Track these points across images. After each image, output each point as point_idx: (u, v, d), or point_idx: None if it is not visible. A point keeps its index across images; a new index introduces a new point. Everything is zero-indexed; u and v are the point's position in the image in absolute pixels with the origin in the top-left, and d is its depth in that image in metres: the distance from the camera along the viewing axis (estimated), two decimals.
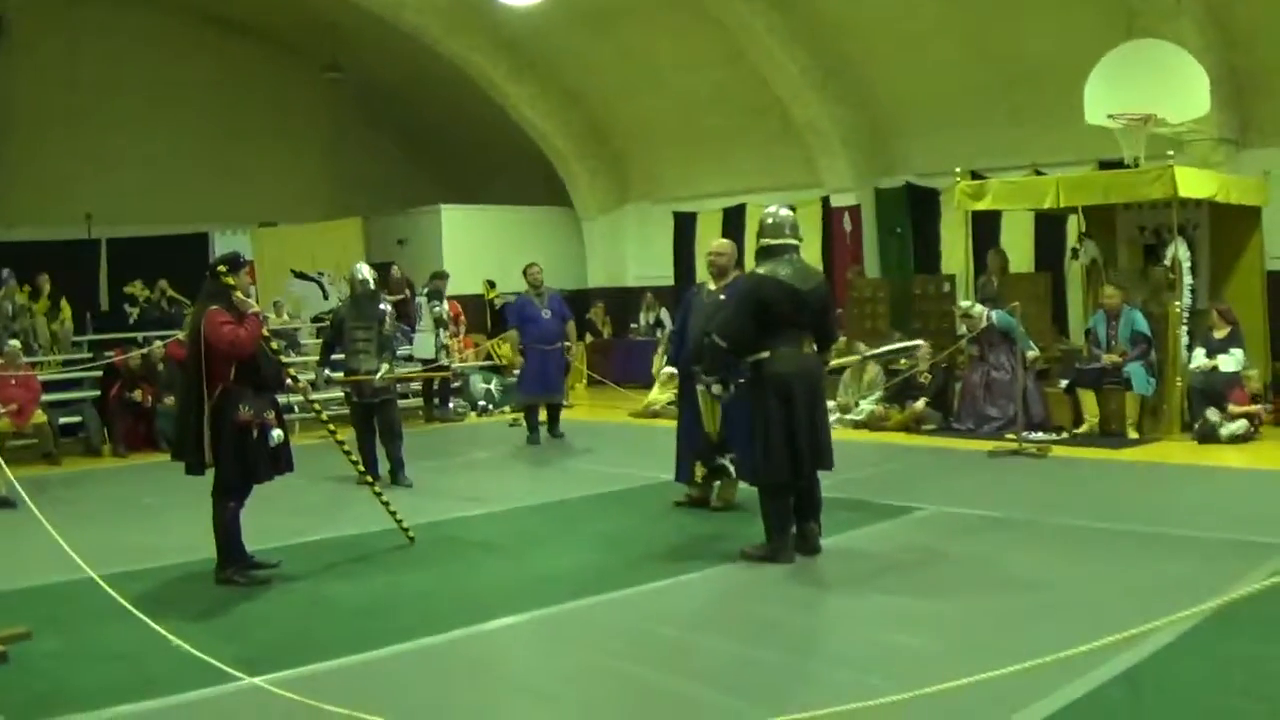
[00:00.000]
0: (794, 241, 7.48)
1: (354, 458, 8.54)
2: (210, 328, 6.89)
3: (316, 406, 8.37)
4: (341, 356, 11.05)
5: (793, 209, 7.76)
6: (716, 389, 7.53)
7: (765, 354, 7.22)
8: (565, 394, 14.49)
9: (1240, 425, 11.49)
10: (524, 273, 13.79)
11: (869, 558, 7.45)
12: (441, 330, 15.84)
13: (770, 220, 7.51)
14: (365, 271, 11.12)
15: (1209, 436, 11.51)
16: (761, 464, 7.31)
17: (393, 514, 8.09)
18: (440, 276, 16.57)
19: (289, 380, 7.79)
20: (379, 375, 10.60)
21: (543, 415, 13.61)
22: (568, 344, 13.86)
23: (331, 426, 7.98)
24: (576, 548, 8.15)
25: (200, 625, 6.20)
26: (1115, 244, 13.98)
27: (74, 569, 6.10)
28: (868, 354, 13.55)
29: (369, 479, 8.58)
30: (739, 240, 14.05)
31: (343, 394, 11.69)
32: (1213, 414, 11.59)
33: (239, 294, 7.14)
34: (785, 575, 7.07)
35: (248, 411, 7.00)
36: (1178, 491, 9.61)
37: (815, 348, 7.45)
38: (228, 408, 6.95)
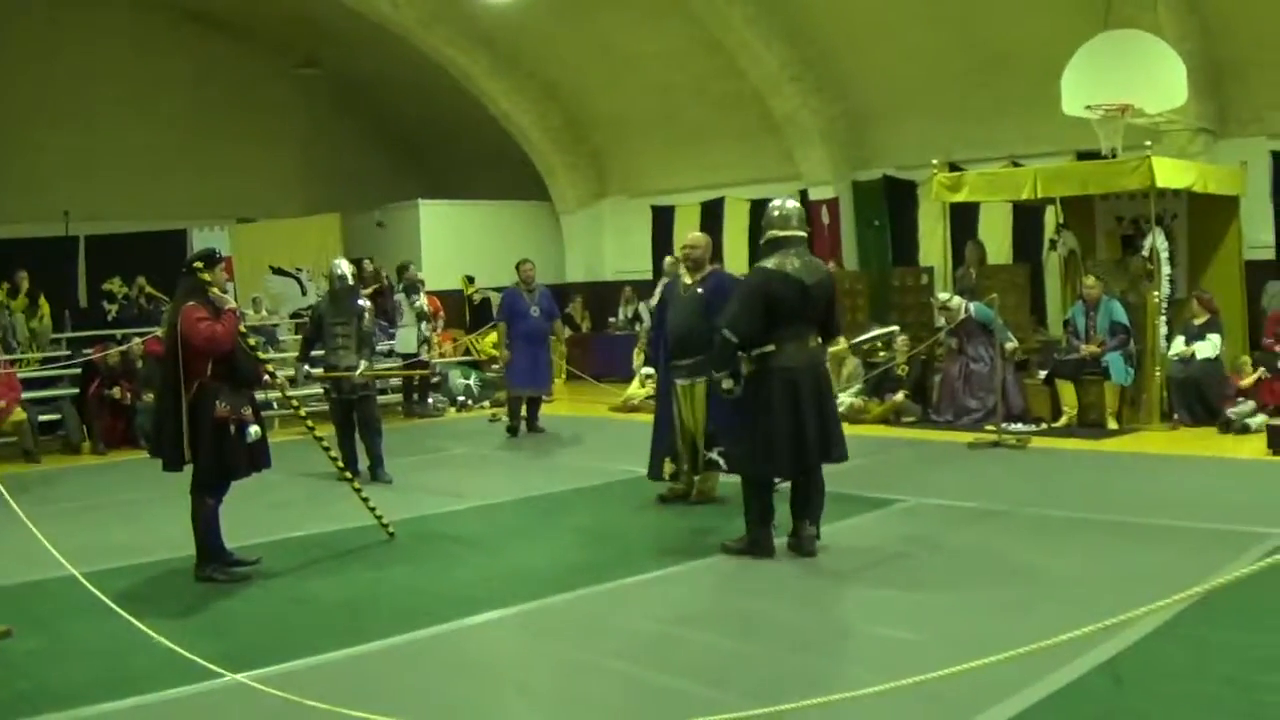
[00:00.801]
0: (801, 234, 7.37)
1: (333, 454, 8.51)
2: (187, 324, 6.87)
3: (295, 403, 8.34)
4: (321, 352, 11.02)
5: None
6: (727, 384, 7.32)
7: (770, 347, 7.11)
8: (550, 388, 14.48)
9: (1259, 419, 11.36)
10: (516, 268, 13.80)
11: (851, 550, 7.45)
12: (424, 323, 15.80)
13: (778, 212, 7.37)
14: (344, 267, 11.10)
15: (1238, 430, 11.42)
16: (760, 458, 7.22)
17: (372, 510, 8.07)
18: (406, 267, 16.53)
19: (266, 376, 7.77)
20: (358, 372, 10.56)
21: (522, 409, 13.62)
22: (553, 337, 13.93)
23: (310, 423, 7.96)
24: (558, 542, 8.15)
25: (182, 622, 6.17)
26: (1093, 235, 14.03)
27: (55, 566, 6.09)
28: (851, 342, 13.56)
29: (348, 475, 8.57)
30: (716, 233, 14.06)
31: (322, 390, 11.66)
32: (1244, 407, 11.56)
33: (215, 290, 7.13)
34: (767, 568, 7.07)
35: (225, 407, 6.96)
36: (1158, 481, 9.64)
37: (820, 340, 7.39)
38: (205, 403, 6.92)
